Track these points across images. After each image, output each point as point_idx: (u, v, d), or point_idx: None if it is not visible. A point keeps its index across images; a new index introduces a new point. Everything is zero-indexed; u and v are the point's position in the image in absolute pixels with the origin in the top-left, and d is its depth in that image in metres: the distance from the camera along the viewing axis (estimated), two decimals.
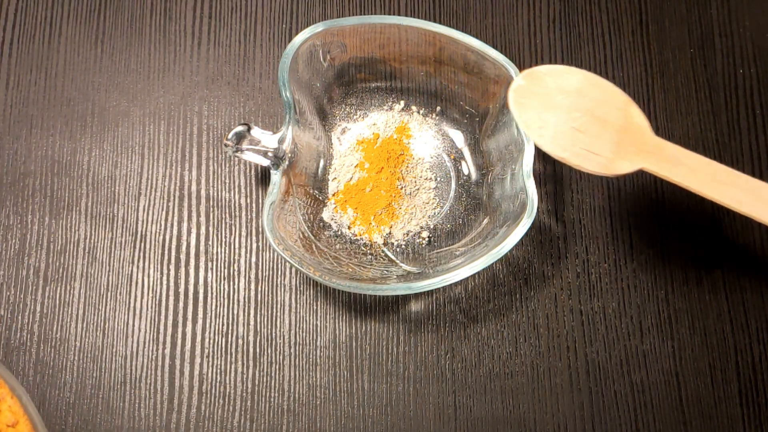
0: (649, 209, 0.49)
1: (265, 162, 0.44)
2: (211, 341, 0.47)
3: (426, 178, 0.49)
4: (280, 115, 0.51)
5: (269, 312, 0.47)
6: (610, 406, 0.46)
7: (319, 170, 0.49)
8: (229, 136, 0.44)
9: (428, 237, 0.48)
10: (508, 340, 0.47)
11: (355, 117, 0.50)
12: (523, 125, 0.40)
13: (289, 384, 0.46)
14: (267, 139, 0.44)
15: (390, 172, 0.48)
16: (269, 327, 0.47)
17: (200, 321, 0.47)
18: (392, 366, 0.47)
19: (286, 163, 0.44)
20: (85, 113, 0.51)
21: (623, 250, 0.49)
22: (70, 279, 0.48)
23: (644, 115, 0.40)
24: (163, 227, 0.49)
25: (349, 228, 0.48)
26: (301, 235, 0.45)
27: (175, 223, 0.49)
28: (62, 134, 0.50)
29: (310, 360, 0.47)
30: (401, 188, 0.48)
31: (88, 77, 0.51)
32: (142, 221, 0.49)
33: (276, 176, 0.44)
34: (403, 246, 0.48)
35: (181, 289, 0.48)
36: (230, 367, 0.46)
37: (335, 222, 0.48)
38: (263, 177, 0.49)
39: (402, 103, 0.50)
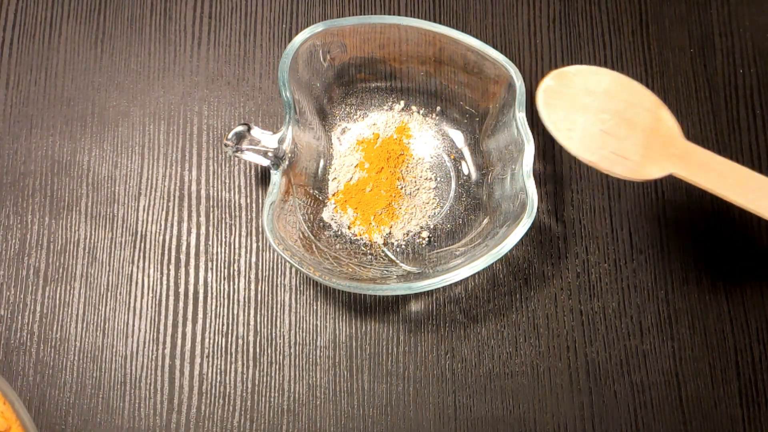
0: (649, 209, 0.49)
1: (265, 162, 0.44)
2: (211, 341, 0.47)
3: (426, 178, 0.49)
4: (280, 115, 0.51)
5: (269, 312, 0.47)
6: (610, 406, 0.46)
7: (319, 170, 0.49)
8: (229, 136, 0.44)
9: (428, 237, 0.48)
10: (508, 340, 0.47)
11: (355, 117, 0.50)
12: (551, 127, 0.39)
13: (289, 384, 0.46)
14: (267, 139, 0.44)
15: (390, 172, 0.48)
16: (269, 327, 0.47)
17: (200, 321, 0.47)
18: (392, 366, 0.47)
19: (286, 163, 0.44)
20: (85, 113, 0.51)
21: (623, 250, 0.49)
22: (70, 279, 0.48)
23: (674, 117, 0.39)
24: (163, 227, 0.49)
25: (349, 228, 0.48)
26: (301, 235, 0.45)
27: (175, 223, 0.49)
28: (62, 134, 0.50)
29: (310, 360, 0.47)
30: (401, 188, 0.48)
31: (88, 77, 0.51)
32: (142, 221, 0.49)
33: (276, 176, 0.44)
34: (403, 246, 0.48)
35: (181, 289, 0.48)
36: (230, 367, 0.46)
37: (335, 222, 0.48)
38: (263, 177, 0.49)
39: (402, 103, 0.50)
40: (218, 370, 0.46)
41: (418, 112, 0.50)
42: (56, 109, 0.51)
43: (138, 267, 0.48)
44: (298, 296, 0.47)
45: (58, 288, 0.47)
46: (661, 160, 0.38)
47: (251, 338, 0.47)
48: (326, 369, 0.46)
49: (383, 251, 0.48)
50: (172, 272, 0.48)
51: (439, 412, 0.46)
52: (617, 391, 0.46)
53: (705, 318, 0.47)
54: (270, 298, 0.47)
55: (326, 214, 0.48)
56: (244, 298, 0.47)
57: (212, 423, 0.45)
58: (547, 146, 0.50)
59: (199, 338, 0.47)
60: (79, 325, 0.47)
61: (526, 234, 0.44)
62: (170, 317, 0.47)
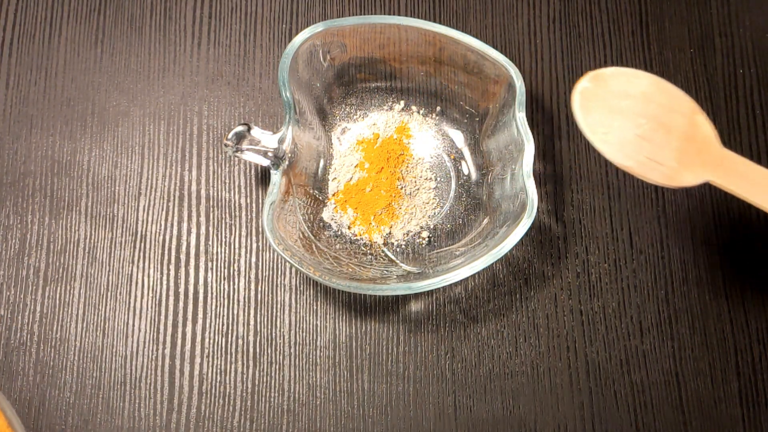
0: (649, 209, 0.49)
1: (265, 162, 0.44)
2: (211, 341, 0.47)
3: (426, 178, 0.49)
4: (280, 115, 0.51)
5: (269, 312, 0.47)
6: (610, 406, 0.46)
7: (319, 170, 0.49)
8: (229, 136, 0.44)
9: (428, 237, 0.48)
10: (508, 340, 0.47)
11: (355, 117, 0.50)
12: (586, 130, 0.38)
13: (289, 384, 0.46)
14: (267, 139, 0.44)
15: (390, 172, 0.48)
16: (269, 327, 0.47)
17: (200, 321, 0.47)
18: (392, 366, 0.47)
19: (286, 163, 0.44)
20: (85, 113, 0.51)
21: (623, 250, 0.49)
22: (70, 279, 0.48)
23: (711, 123, 0.38)
24: (163, 227, 0.49)
25: (349, 228, 0.48)
26: (301, 235, 0.45)
27: (175, 223, 0.49)
28: (62, 134, 0.50)
29: (310, 360, 0.47)
30: (401, 188, 0.48)
31: (88, 77, 0.51)
32: (142, 221, 0.49)
33: (276, 176, 0.44)
34: (403, 246, 0.48)
35: (181, 289, 0.48)
36: (230, 367, 0.46)
37: (335, 222, 0.48)
38: (263, 177, 0.49)
39: (402, 103, 0.50)
40: (218, 370, 0.46)
41: (418, 112, 0.50)
42: (56, 109, 0.51)
43: (138, 267, 0.48)
44: (298, 296, 0.47)
45: (58, 288, 0.47)
46: (696, 167, 0.37)
47: (251, 338, 0.47)
48: (326, 369, 0.46)
49: (383, 251, 0.48)
50: (172, 272, 0.48)
51: (439, 412, 0.46)
52: (617, 391, 0.46)
53: (705, 318, 0.47)
54: (270, 298, 0.47)
55: (326, 214, 0.48)
56: (244, 298, 0.47)
57: (212, 423, 0.45)
58: (547, 146, 0.50)
59: (199, 338, 0.47)
60: (79, 325, 0.47)
61: (526, 234, 0.44)
62: (170, 317, 0.47)
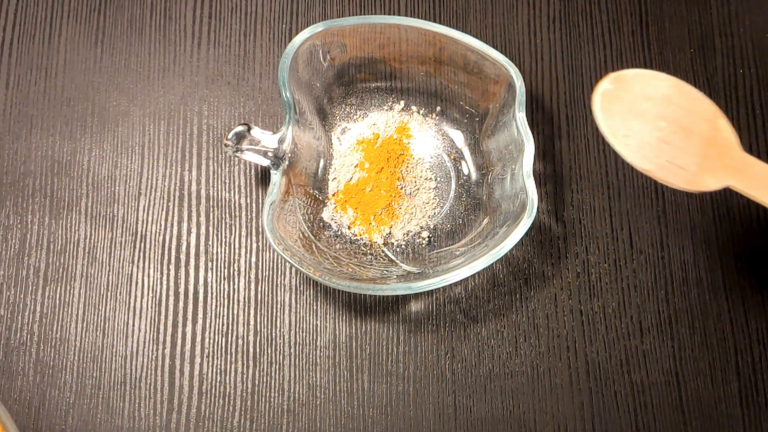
0: (649, 209, 0.49)
1: (265, 162, 0.44)
2: (211, 341, 0.47)
3: (426, 178, 0.49)
4: (280, 115, 0.51)
5: (269, 312, 0.47)
6: (610, 406, 0.46)
7: (319, 170, 0.49)
8: (229, 136, 0.44)
9: (428, 237, 0.48)
10: (508, 340, 0.47)
11: (355, 117, 0.50)
12: (606, 132, 0.37)
13: (289, 384, 0.46)
14: (267, 139, 0.44)
15: (390, 172, 0.48)
16: (269, 327, 0.47)
17: (200, 321, 0.47)
18: (392, 366, 0.47)
19: (286, 163, 0.44)
20: (85, 113, 0.51)
21: (623, 250, 0.49)
22: (70, 279, 0.48)
23: (732, 127, 0.37)
24: (163, 227, 0.49)
25: (349, 228, 0.48)
26: (301, 235, 0.45)
27: (175, 223, 0.49)
28: (62, 134, 0.50)
29: (310, 360, 0.47)
30: (401, 188, 0.48)
31: (88, 77, 0.51)
32: (142, 221, 0.49)
33: (276, 176, 0.44)
34: (403, 246, 0.48)
35: (181, 289, 0.48)
36: (230, 367, 0.46)
37: (335, 222, 0.48)
38: (263, 177, 0.49)
39: (402, 103, 0.50)
40: (218, 370, 0.46)
41: (418, 112, 0.50)
42: (56, 109, 0.51)
43: (138, 267, 0.48)
44: (298, 296, 0.47)
45: (58, 288, 0.47)
46: (717, 172, 0.37)
47: (251, 338, 0.47)
48: (326, 369, 0.46)
49: (383, 251, 0.48)
50: (172, 272, 0.48)
51: (438, 412, 0.46)
52: (617, 391, 0.46)
53: (705, 318, 0.47)
54: (270, 298, 0.47)
55: (326, 214, 0.48)
56: (244, 298, 0.47)
57: (212, 423, 0.45)
58: (547, 146, 0.50)
59: (199, 338, 0.47)
60: (79, 325, 0.47)
61: (526, 234, 0.44)
62: (170, 317, 0.47)
